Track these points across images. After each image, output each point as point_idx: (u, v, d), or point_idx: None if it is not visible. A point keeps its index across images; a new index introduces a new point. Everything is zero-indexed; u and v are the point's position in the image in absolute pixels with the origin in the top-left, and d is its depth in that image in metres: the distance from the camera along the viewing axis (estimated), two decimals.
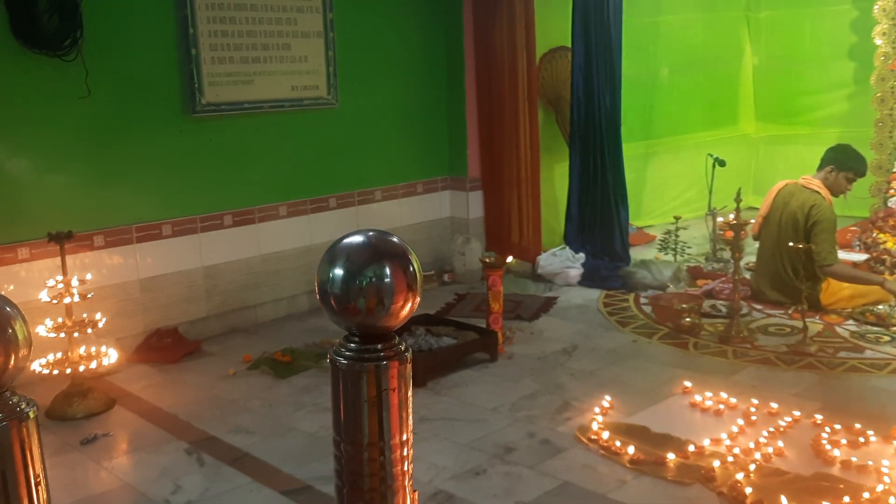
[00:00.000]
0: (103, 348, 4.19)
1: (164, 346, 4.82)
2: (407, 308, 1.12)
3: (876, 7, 7.45)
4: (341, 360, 1.13)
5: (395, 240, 1.15)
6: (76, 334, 4.01)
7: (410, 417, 1.15)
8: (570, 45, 6.47)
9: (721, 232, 6.79)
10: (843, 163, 5.26)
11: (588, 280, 6.04)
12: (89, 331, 4.07)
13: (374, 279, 1.10)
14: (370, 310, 1.10)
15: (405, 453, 1.14)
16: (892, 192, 6.63)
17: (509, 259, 5.17)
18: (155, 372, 4.60)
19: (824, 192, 5.17)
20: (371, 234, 1.15)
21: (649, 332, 4.95)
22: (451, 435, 3.67)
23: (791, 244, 4.84)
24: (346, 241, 1.15)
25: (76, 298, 3.98)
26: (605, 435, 3.53)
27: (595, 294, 5.81)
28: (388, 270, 1.10)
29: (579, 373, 4.37)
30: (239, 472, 3.41)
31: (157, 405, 4.15)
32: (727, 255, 6.56)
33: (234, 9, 5.11)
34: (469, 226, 6.55)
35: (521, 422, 3.80)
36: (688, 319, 4.89)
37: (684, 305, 4.98)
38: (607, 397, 3.90)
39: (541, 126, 6.53)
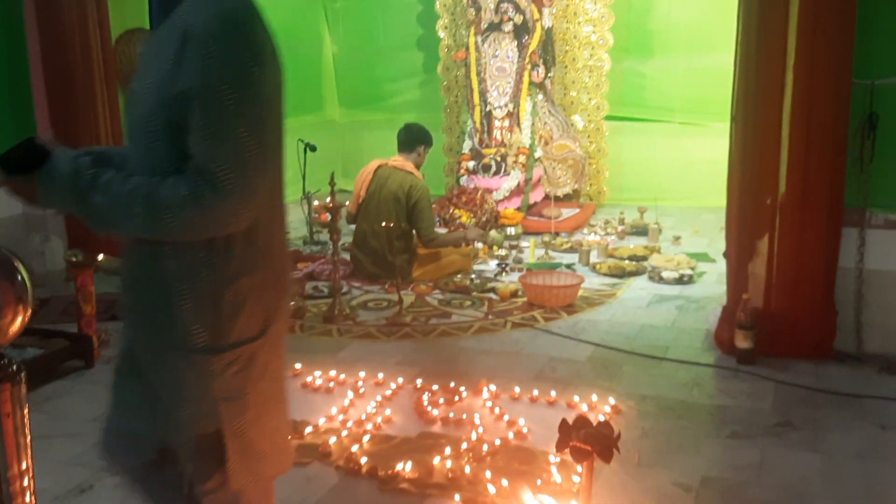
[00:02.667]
0: None
1: None
2: (17, 323, 0.97)
3: (437, 2, 8.20)
4: None
5: None
6: None
7: (29, 442, 1.00)
8: (148, 26, 6.15)
9: (316, 215, 7.01)
10: (429, 140, 5.84)
11: None
12: None
13: None
14: None
15: (26, 483, 0.99)
16: (462, 171, 7.38)
17: (100, 256, 4.80)
18: None
19: (416, 171, 5.62)
20: None
21: None
22: (48, 454, 3.31)
23: (384, 224, 5.16)
24: None
25: None
26: None
27: None
28: None
29: None
30: None
31: None
32: (324, 237, 6.80)
33: None
34: (47, 222, 5.94)
35: None
36: (292, 303, 4.97)
37: None
38: None
39: (122, 112, 6.13)
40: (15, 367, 1.00)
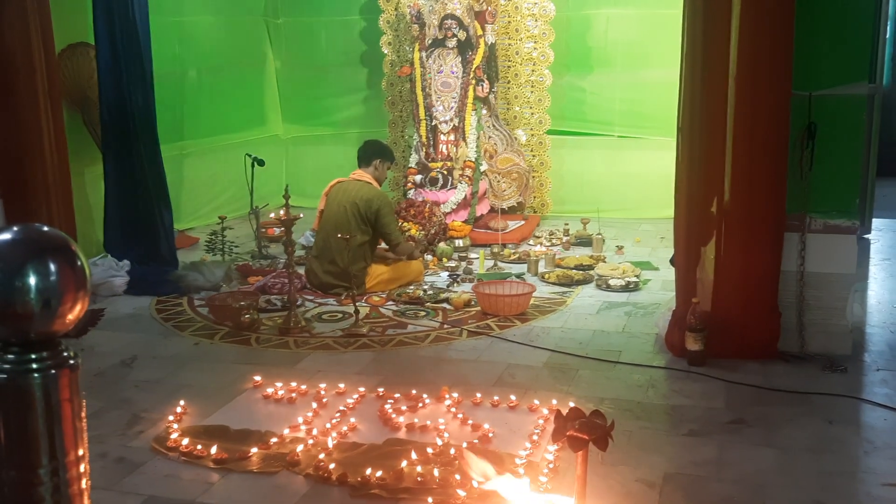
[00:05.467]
0: None
1: None
2: (77, 309, 0.98)
3: (381, 19, 8.27)
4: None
5: (53, 231, 1.00)
6: None
7: (85, 428, 1.02)
8: (92, 41, 6.09)
9: (264, 230, 6.99)
10: (387, 155, 5.97)
11: (136, 287, 5.75)
12: None
13: (35, 279, 0.94)
14: (32, 314, 0.94)
15: (82, 469, 1.00)
16: (409, 185, 7.44)
17: None
18: None
19: (375, 183, 5.70)
20: (20, 226, 0.98)
21: (210, 333, 4.91)
22: None
23: (340, 235, 5.18)
24: None
25: None
26: (185, 441, 3.43)
27: (146, 301, 5.57)
28: (52, 268, 0.95)
29: (144, 383, 4.17)
30: None
31: None
32: (273, 251, 6.78)
33: None
34: None
35: (90, 444, 3.47)
36: (247, 316, 4.95)
37: (242, 303, 5.03)
38: (181, 402, 3.79)
39: (67, 128, 6.03)
40: (73, 353, 1.02)
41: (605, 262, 6.33)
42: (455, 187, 7.29)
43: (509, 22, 7.95)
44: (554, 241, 7.14)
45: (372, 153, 5.86)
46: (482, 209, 7.50)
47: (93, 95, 6.24)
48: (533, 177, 8.00)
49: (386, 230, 5.62)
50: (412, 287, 5.71)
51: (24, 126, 5.68)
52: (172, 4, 7.65)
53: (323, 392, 3.94)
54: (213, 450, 3.34)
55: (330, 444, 3.40)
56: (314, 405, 3.79)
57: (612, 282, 5.73)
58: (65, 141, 5.90)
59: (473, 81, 7.50)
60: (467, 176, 7.35)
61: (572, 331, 4.86)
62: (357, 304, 5.02)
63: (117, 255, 5.98)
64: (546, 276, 5.99)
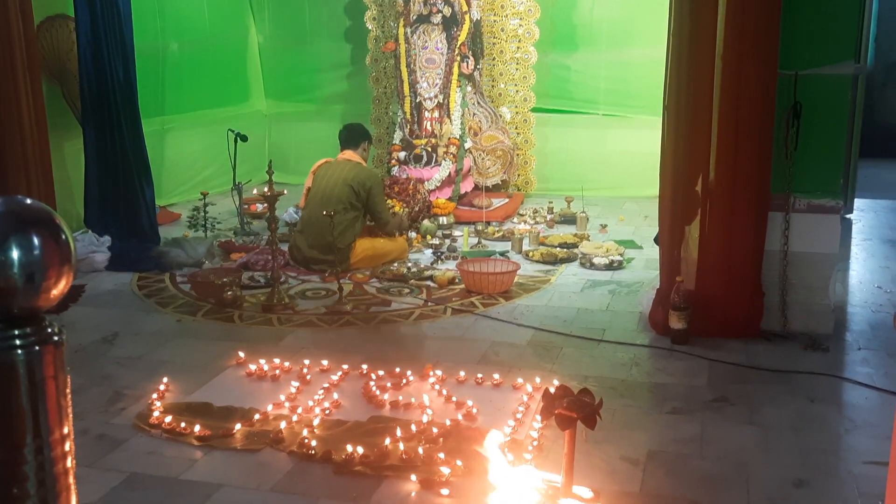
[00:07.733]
0: None
1: None
2: (61, 284, 0.96)
3: None
4: None
5: (37, 204, 0.97)
6: None
7: (70, 406, 1.00)
8: (72, 13, 5.99)
9: (247, 206, 6.94)
10: (370, 137, 6.08)
11: (117, 263, 5.70)
12: None
13: (18, 253, 0.92)
14: (15, 289, 0.92)
15: (67, 448, 0.98)
16: (393, 162, 7.39)
17: None
18: None
19: (364, 163, 5.74)
20: (2, 199, 0.95)
21: (192, 310, 4.87)
22: None
23: (325, 212, 5.12)
24: None
25: None
26: (168, 418, 3.41)
27: (127, 277, 5.53)
28: (35, 241, 0.93)
29: (126, 360, 4.14)
30: None
31: None
32: (256, 227, 6.74)
33: None
34: None
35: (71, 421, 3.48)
36: (230, 293, 4.92)
37: (225, 279, 4.99)
38: (164, 380, 3.76)
39: (46, 101, 5.94)
40: (57, 329, 0.99)
41: (588, 240, 6.32)
42: (439, 164, 7.26)
43: None
44: (538, 219, 7.13)
45: (359, 135, 5.96)
46: (466, 187, 7.47)
47: (72, 68, 6.15)
48: (517, 154, 7.97)
49: (377, 209, 5.71)
50: (396, 264, 5.70)
51: (2, 99, 5.59)
52: None
53: (306, 369, 3.93)
54: (196, 427, 3.33)
55: (314, 421, 3.39)
56: (298, 382, 3.78)
57: (595, 260, 5.73)
58: (44, 114, 5.81)
59: (458, 58, 7.45)
60: (451, 153, 7.31)
61: (556, 309, 4.87)
62: (341, 281, 4.99)
63: (98, 231, 5.92)
64: (530, 254, 5.99)
